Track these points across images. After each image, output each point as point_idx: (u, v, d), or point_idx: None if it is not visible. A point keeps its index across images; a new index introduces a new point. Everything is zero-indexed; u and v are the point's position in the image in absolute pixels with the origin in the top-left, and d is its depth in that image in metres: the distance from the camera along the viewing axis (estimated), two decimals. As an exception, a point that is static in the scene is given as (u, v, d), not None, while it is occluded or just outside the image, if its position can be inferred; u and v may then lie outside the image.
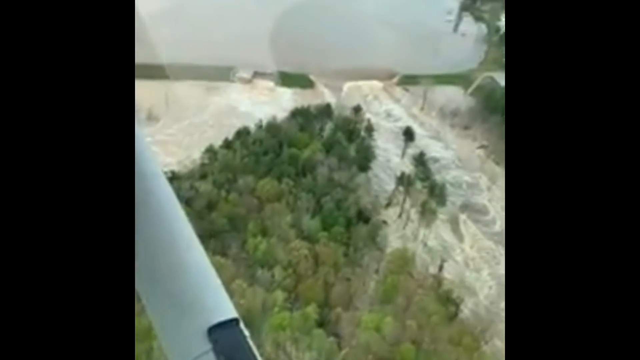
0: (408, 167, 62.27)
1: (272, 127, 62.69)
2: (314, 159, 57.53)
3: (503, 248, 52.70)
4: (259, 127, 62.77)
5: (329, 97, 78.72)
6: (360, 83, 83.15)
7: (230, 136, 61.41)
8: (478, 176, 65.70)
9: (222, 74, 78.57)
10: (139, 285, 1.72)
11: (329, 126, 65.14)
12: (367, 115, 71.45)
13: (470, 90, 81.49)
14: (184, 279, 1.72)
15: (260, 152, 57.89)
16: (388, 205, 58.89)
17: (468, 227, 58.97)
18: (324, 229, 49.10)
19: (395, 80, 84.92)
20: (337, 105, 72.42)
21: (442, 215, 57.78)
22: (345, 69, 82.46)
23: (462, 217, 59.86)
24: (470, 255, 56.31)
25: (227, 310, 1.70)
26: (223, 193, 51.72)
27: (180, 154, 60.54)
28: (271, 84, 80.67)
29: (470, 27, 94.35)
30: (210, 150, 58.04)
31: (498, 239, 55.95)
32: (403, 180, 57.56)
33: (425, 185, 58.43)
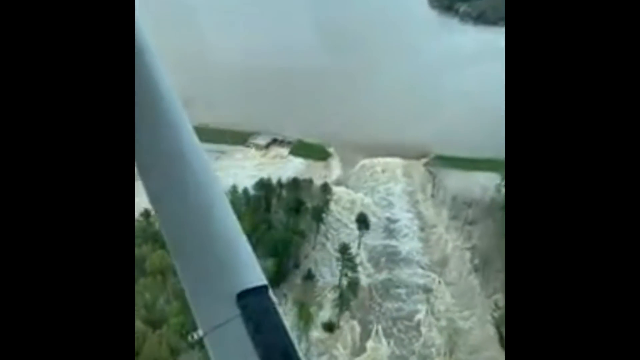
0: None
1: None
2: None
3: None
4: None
5: (336, 172, 74.25)
6: (378, 160, 76.77)
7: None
8: (437, 281, 56.02)
9: (239, 139, 78.59)
10: (171, 250, 1.76)
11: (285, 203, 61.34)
12: (357, 196, 65.92)
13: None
14: (215, 244, 1.74)
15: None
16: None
17: (378, 339, 50.14)
18: (178, 315, 45.61)
19: (423, 160, 76.85)
20: (322, 181, 67.99)
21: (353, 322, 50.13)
22: (374, 144, 77.02)
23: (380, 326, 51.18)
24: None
25: (257, 276, 1.71)
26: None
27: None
28: (286, 152, 78.75)
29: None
30: (144, 214, 58.22)
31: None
32: (309, 276, 51.37)
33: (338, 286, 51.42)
